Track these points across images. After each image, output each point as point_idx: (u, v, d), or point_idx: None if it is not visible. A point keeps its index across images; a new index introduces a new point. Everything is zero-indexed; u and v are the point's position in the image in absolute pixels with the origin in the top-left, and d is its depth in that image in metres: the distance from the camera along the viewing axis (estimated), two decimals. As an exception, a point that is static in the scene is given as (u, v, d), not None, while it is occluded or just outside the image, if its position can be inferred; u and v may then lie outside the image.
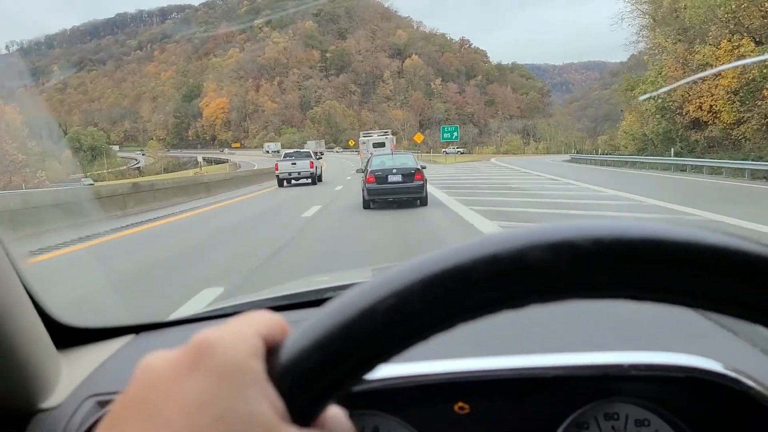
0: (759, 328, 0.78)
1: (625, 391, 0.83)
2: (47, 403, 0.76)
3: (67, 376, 0.83)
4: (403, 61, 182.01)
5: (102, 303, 5.10)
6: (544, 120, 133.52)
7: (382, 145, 31.97)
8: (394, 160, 14.01)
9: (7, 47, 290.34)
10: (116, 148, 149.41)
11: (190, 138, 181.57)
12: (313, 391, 0.29)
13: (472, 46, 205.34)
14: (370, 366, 0.29)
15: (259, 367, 0.28)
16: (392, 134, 37.99)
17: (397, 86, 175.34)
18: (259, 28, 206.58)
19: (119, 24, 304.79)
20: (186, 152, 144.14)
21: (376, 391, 0.79)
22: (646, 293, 0.29)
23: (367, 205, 12.98)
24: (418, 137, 54.72)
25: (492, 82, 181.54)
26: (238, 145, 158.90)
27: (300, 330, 0.30)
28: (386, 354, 0.29)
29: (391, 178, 12.90)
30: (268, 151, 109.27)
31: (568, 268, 0.28)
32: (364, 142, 34.25)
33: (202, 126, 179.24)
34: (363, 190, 13.15)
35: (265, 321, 0.30)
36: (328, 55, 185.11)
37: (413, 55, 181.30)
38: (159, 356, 0.29)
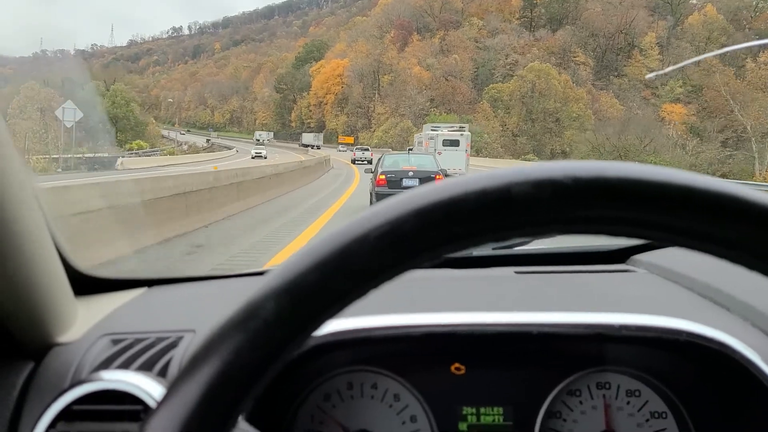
0: (752, 304, 0.83)
1: (617, 360, 0.84)
2: (64, 338, 0.81)
3: (84, 317, 0.89)
4: (680, 20, 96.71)
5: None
6: None
7: (455, 144, 23.28)
8: (411, 160, 12.02)
9: (189, 28, 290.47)
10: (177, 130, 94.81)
11: (293, 124, 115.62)
12: (272, 343, 0.31)
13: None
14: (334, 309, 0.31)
15: None
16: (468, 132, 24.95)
17: (668, 60, 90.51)
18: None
19: (293, 6, 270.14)
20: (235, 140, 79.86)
21: (377, 348, 0.81)
22: (619, 228, 0.31)
23: None
24: None
25: None
26: (350, 140, 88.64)
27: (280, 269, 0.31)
28: (374, 281, 0.31)
29: (406, 182, 10.56)
30: (258, 140, 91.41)
31: (549, 202, 0.30)
32: (431, 137, 23.45)
33: (307, 106, 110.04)
34: (371, 194, 11.34)
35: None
36: (537, 0, 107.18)
37: (708, 5, 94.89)
38: None
